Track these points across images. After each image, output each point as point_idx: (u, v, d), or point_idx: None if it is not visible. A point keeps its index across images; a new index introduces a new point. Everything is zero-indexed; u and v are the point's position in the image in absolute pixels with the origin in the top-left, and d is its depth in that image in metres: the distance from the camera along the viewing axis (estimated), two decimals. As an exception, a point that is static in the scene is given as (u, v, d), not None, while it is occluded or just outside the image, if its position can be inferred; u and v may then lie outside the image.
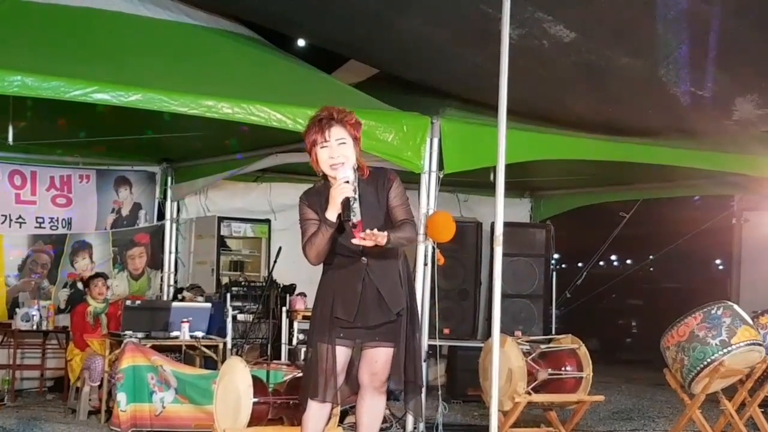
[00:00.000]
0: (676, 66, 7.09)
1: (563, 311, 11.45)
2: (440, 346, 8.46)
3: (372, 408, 4.78)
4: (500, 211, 5.43)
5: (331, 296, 4.60)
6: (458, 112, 8.35)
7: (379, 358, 4.67)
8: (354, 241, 4.45)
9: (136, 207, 10.69)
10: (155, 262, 10.77)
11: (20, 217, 9.97)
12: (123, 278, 10.55)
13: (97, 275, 9.20)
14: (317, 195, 4.61)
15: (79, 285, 9.85)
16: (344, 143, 4.52)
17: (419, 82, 8.68)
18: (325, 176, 4.60)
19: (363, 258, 4.56)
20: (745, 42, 6.88)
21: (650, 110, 8.15)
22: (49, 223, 10.14)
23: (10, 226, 9.92)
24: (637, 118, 8.41)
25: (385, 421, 7.99)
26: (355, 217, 4.42)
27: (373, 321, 4.58)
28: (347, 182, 4.43)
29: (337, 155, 4.49)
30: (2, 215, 9.87)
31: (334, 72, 10.03)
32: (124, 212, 10.61)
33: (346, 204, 4.41)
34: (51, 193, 10.13)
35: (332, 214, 4.43)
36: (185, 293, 9.60)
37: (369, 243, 4.42)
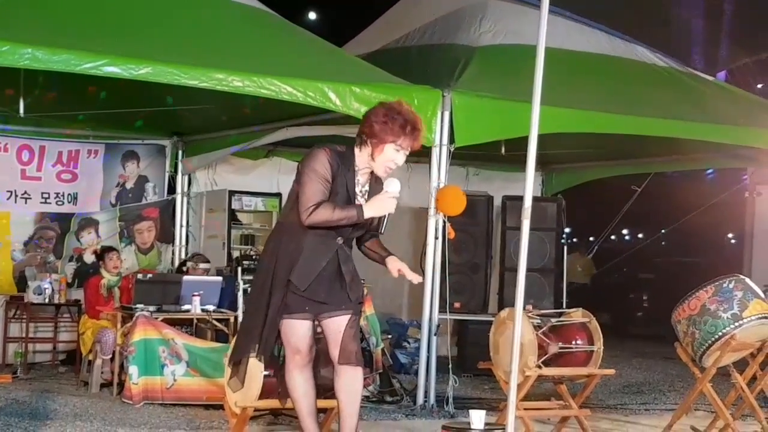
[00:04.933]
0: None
1: (574, 285, 11.41)
2: (450, 319, 8.44)
3: (348, 384, 4.70)
4: (530, 183, 5.32)
5: (295, 257, 4.64)
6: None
7: (339, 326, 4.69)
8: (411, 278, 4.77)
9: (142, 180, 10.61)
10: (165, 235, 10.74)
11: (26, 192, 9.93)
12: (130, 252, 10.50)
13: (111, 248, 9.21)
14: (343, 160, 4.69)
15: (92, 257, 9.86)
16: (405, 155, 4.73)
17: None
18: (358, 144, 4.72)
19: (339, 238, 4.69)
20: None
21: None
22: (55, 198, 10.08)
23: (15, 202, 9.88)
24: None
25: (395, 394, 8.02)
26: (383, 230, 4.81)
27: (321, 298, 4.66)
28: (395, 198, 4.69)
29: (398, 163, 4.72)
30: (8, 191, 9.84)
31: (345, 45, 9.99)
32: (129, 185, 10.53)
33: (385, 217, 4.72)
34: (56, 168, 10.05)
35: (369, 214, 4.65)
36: (188, 263, 9.50)
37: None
